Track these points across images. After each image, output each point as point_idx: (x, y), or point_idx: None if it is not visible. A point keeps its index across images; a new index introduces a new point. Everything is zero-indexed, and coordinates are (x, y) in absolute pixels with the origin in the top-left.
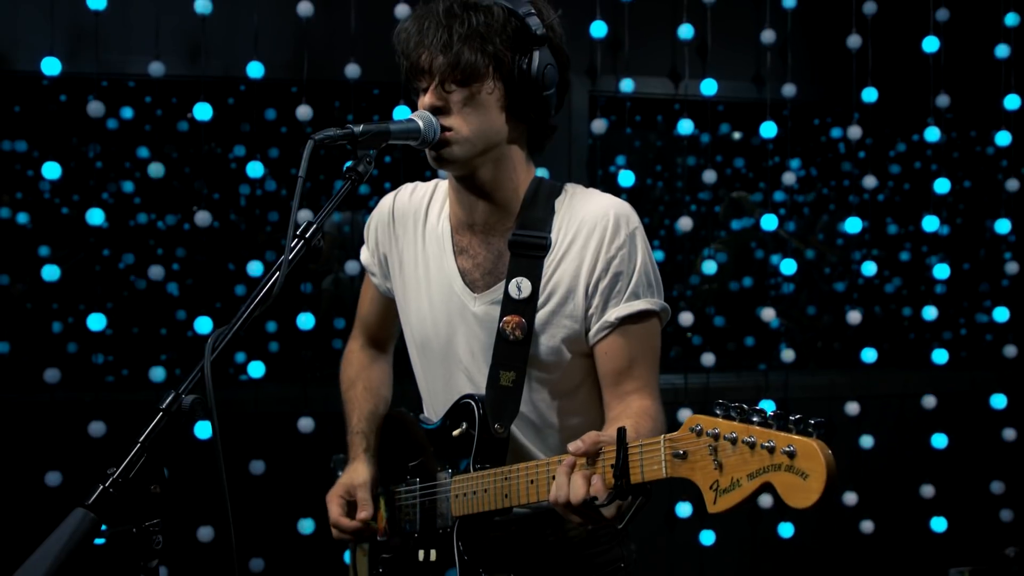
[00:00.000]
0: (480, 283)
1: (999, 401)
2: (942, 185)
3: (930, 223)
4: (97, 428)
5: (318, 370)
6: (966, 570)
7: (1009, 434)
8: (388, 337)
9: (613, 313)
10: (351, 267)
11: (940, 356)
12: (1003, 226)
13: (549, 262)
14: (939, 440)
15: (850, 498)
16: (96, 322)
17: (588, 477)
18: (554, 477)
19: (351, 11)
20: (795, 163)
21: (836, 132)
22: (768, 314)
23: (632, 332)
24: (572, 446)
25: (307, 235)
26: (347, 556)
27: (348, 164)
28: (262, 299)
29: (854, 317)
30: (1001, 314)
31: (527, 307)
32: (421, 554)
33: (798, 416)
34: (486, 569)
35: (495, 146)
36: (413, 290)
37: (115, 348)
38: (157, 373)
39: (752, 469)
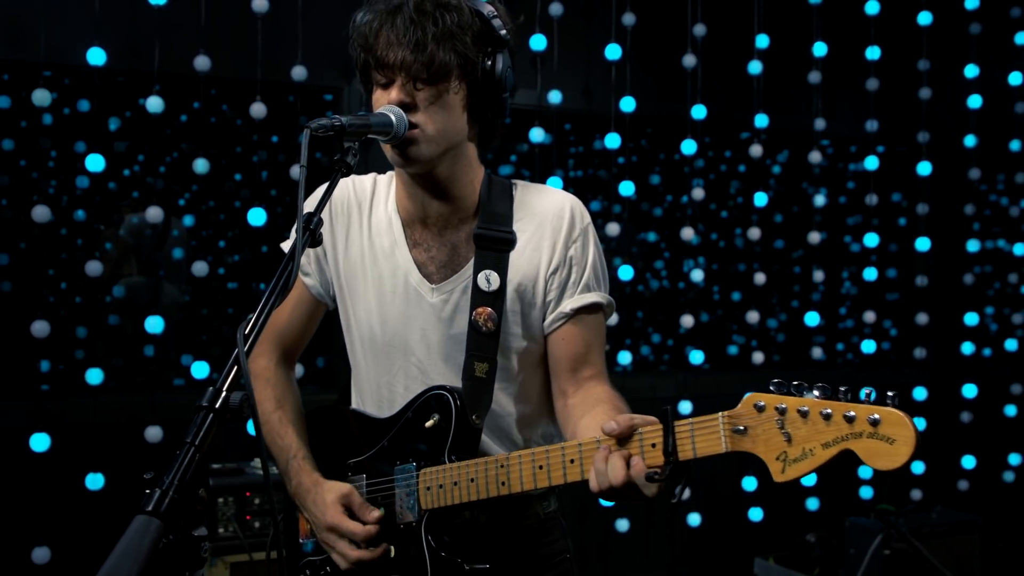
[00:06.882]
0: (436, 276)
1: None
2: (760, 199)
3: (752, 234)
4: None
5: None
6: (771, 557)
7: None
8: (301, 348)
9: (568, 304)
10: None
11: (758, 357)
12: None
13: (513, 256)
14: None
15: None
16: None
17: (626, 458)
18: (572, 460)
19: (201, 3)
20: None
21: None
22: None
23: (586, 322)
24: (607, 427)
25: (311, 226)
26: None
27: (336, 156)
28: (281, 290)
29: (687, 321)
30: (812, 319)
31: (496, 299)
32: None
33: (869, 388)
34: (464, 559)
35: (456, 145)
36: (360, 283)
37: None
38: None
39: (828, 439)
